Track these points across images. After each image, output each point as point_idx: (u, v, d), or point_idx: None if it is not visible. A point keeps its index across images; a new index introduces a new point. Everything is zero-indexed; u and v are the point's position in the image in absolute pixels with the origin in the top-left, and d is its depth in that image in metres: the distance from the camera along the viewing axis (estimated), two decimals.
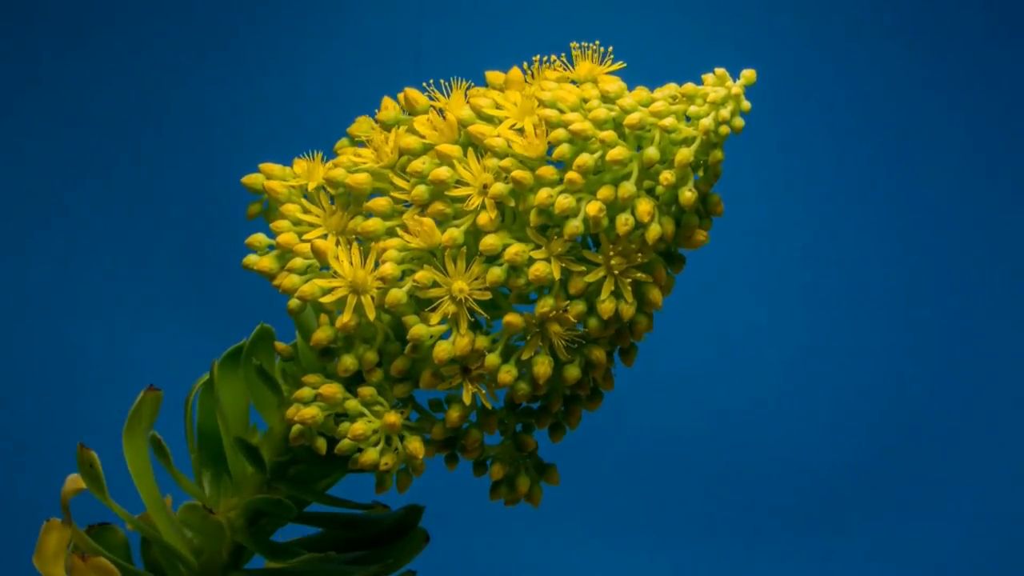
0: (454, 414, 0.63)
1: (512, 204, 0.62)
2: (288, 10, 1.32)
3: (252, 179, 0.67)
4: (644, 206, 0.61)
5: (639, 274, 0.62)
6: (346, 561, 0.69)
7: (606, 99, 0.63)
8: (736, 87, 0.62)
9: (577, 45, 0.65)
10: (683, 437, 1.35)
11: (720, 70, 0.62)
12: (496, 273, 0.61)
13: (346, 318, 0.61)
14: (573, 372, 0.63)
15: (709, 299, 1.33)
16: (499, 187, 0.62)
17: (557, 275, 0.61)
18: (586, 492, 1.32)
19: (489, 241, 0.61)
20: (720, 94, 0.61)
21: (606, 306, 0.62)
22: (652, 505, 1.35)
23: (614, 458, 1.33)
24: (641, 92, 0.63)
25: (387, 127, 0.65)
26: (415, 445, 0.63)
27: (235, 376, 0.69)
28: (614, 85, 0.63)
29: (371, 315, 0.61)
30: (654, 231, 0.61)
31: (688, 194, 0.61)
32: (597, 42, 0.66)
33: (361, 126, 0.67)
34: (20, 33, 1.29)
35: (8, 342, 1.28)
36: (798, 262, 1.37)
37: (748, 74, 0.62)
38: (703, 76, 0.62)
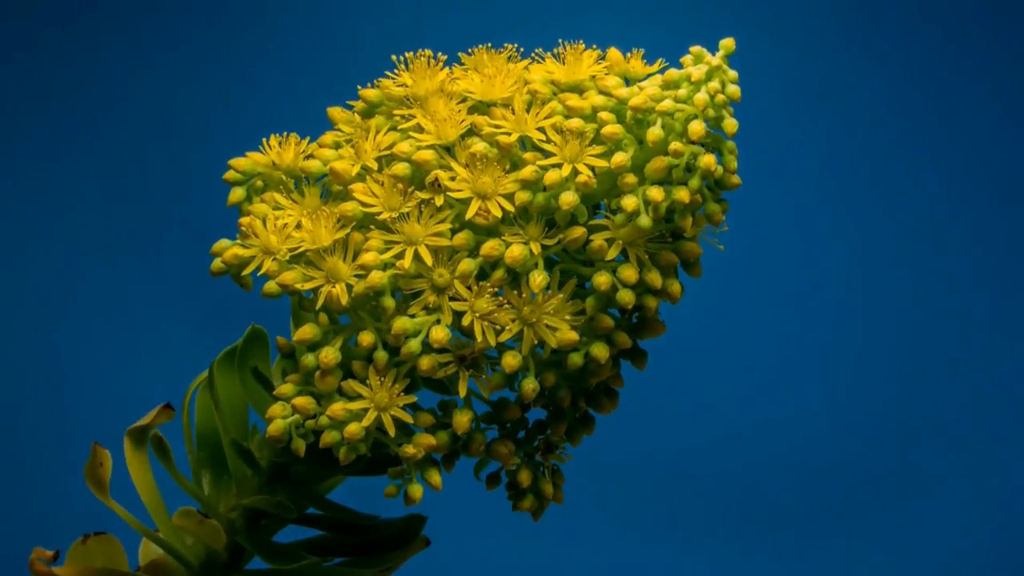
0: (462, 418, 0.62)
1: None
2: (290, 5, 1.33)
3: (239, 161, 0.66)
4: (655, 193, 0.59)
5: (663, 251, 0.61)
6: (344, 564, 0.68)
7: (602, 92, 0.62)
8: (716, 59, 0.61)
9: (558, 43, 0.65)
10: (683, 439, 1.33)
11: (696, 48, 0.61)
12: (468, 264, 0.60)
13: (320, 302, 0.60)
14: (600, 350, 0.61)
15: (711, 302, 1.31)
16: (481, 146, 0.61)
17: (537, 251, 0.60)
18: (587, 494, 1.29)
19: (462, 237, 0.60)
20: (702, 71, 0.60)
21: (628, 273, 0.60)
22: (652, 507, 1.33)
23: (614, 460, 1.31)
24: (633, 87, 0.62)
25: (370, 107, 0.65)
26: (426, 439, 0.62)
27: (231, 377, 0.68)
28: (612, 79, 0.63)
29: (344, 300, 0.60)
30: (680, 194, 0.59)
31: (707, 158, 0.59)
32: (590, 44, 0.65)
33: (340, 118, 0.66)
34: (19, 33, 1.31)
35: (4, 343, 1.28)
36: (800, 265, 1.36)
37: (726, 43, 0.61)
38: (681, 59, 0.61)
